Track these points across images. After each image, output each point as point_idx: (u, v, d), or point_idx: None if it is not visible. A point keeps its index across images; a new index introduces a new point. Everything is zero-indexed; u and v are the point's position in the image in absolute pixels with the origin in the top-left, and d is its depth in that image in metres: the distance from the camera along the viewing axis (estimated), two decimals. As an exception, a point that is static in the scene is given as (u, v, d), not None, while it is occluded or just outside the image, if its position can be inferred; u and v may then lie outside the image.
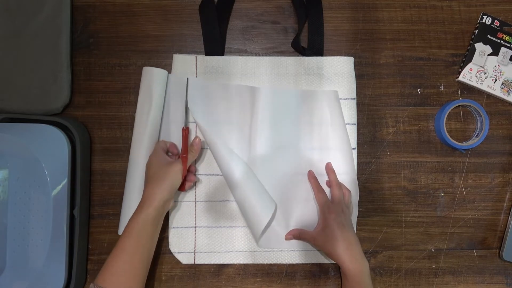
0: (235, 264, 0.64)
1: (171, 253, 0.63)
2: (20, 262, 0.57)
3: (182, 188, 0.59)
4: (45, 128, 0.58)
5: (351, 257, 0.55)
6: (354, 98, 0.64)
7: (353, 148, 0.63)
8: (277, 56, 0.65)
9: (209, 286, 0.63)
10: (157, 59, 0.65)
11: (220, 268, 0.64)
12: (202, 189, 0.63)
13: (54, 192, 0.56)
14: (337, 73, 0.64)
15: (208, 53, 0.64)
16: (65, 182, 0.57)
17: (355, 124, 0.64)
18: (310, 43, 0.65)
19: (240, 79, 0.63)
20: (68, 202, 0.57)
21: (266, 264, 0.63)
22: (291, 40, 0.65)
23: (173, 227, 0.62)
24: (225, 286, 0.64)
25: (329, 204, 0.59)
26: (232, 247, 0.63)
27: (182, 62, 0.63)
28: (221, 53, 0.64)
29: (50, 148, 0.57)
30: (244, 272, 0.64)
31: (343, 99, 0.64)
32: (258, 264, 0.64)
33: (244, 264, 0.63)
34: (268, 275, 0.64)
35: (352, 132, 0.64)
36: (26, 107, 0.62)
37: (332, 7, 0.66)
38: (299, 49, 0.65)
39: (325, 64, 0.64)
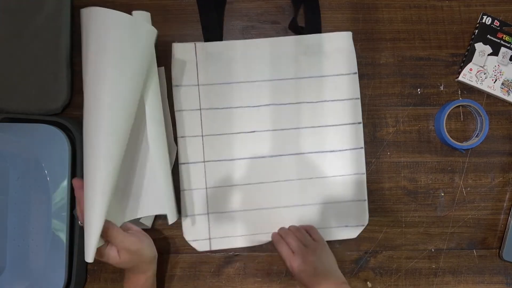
0: (235, 264, 0.64)
1: (171, 253, 0.63)
2: (20, 262, 0.57)
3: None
4: (45, 128, 0.58)
5: None
6: (355, 73, 0.64)
7: (361, 148, 0.63)
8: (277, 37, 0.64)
9: (209, 286, 0.63)
10: (157, 59, 0.65)
11: (220, 268, 0.64)
12: (211, 176, 0.62)
13: (54, 192, 0.56)
14: (337, 49, 0.64)
15: (207, 39, 0.64)
16: (65, 182, 0.57)
17: (358, 98, 0.63)
18: (307, 22, 0.65)
19: (241, 63, 0.63)
20: (68, 202, 0.57)
21: (266, 264, 0.63)
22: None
23: (186, 215, 0.62)
24: (225, 286, 0.64)
25: (291, 256, 0.56)
26: (247, 230, 0.62)
27: (182, 51, 0.63)
28: (219, 38, 0.64)
29: (50, 148, 0.57)
30: (244, 272, 0.64)
31: (345, 74, 0.63)
32: (258, 264, 0.64)
33: (244, 264, 0.64)
34: (268, 275, 0.64)
35: (356, 107, 0.63)
36: (26, 107, 0.62)
37: (332, 7, 0.66)
38: (297, 30, 0.65)
39: (325, 41, 0.63)
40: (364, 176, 0.63)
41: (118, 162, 0.49)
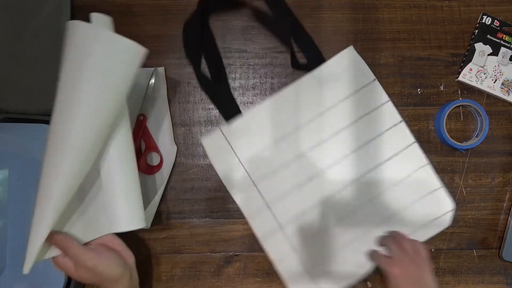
0: (235, 264, 0.64)
1: (171, 253, 0.63)
2: (20, 262, 0.56)
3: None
4: (45, 128, 0.58)
5: None
6: (374, 79, 0.64)
7: (412, 143, 0.63)
8: (288, 84, 0.65)
9: (209, 286, 0.63)
10: (157, 59, 0.65)
11: (220, 268, 0.64)
12: (293, 235, 0.62)
13: (54, 192, 0.56)
14: (347, 66, 0.64)
15: (228, 119, 0.63)
16: (65, 182, 0.57)
17: (389, 101, 0.63)
18: (308, 59, 0.65)
19: (271, 122, 0.63)
20: (68, 202, 0.57)
21: (266, 264, 0.63)
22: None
23: (285, 280, 0.62)
24: (225, 286, 0.64)
25: (389, 261, 0.55)
26: (347, 266, 0.62)
27: (212, 141, 0.63)
28: (238, 111, 0.64)
29: (50, 148, 0.57)
30: (244, 272, 0.64)
31: (366, 85, 0.63)
32: (258, 264, 0.64)
33: (244, 264, 0.64)
34: (268, 275, 0.64)
35: (390, 109, 0.63)
36: (26, 107, 0.62)
37: (332, 7, 0.66)
38: (301, 67, 0.65)
39: (333, 66, 0.64)
40: (428, 167, 0.63)
41: (79, 179, 0.47)
